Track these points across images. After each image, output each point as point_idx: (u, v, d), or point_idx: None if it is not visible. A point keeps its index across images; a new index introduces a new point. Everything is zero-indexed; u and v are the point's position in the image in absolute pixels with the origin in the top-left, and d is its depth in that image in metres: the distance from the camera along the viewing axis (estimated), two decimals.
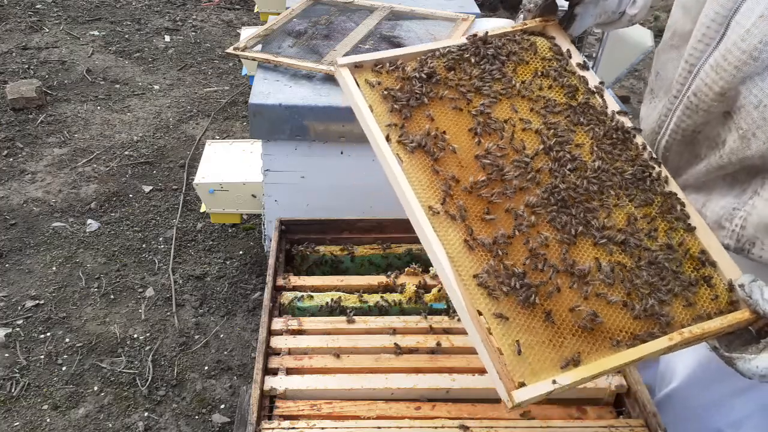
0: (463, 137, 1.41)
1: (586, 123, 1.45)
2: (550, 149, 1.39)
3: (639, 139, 1.43)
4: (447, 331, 1.75)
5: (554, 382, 1.11)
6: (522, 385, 1.10)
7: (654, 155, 1.41)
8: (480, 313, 1.17)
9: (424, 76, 1.46)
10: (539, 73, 1.52)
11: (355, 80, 1.45)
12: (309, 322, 1.77)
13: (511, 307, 1.19)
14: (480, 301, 1.19)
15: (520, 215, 1.30)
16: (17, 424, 2.48)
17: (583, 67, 1.54)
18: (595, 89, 1.50)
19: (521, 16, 1.67)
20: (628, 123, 1.45)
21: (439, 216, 1.28)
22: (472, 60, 1.52)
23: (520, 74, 1.52)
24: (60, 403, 2.57)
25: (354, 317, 1.80)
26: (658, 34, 5.64)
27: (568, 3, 1.55)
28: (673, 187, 1.37)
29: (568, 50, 1.55)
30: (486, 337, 1.15)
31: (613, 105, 1.49)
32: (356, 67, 1.48)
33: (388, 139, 1.37)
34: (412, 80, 1.45)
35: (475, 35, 1.55)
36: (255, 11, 4.91)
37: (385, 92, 1.44)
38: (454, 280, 1.20)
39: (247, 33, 3.46)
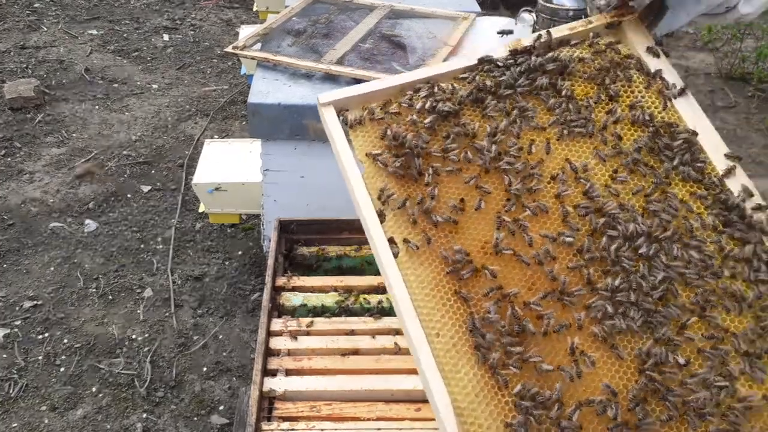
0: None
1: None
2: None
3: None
4: None
5: None
6: None
7: None
8: None
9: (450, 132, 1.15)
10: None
11: (344, 130, 1.18)
12: (309, 323, 1.76)
13: None
14: None
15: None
16: (15, 425, 2.47)
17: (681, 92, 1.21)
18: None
19: (592, 11, 1.32)
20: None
21: (444, 341, 1.00)
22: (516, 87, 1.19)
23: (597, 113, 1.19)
24: (58, 404, 2.55)
25: (354, 318, 1.78)
26: None
27: None
28: None
29: (659, 71, 1.21)
30: None
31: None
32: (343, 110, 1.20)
33: (381, 217, 1.11)
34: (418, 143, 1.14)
35: (516, 48, 1.23)
36: (254, 10, 4.90)
37: (384, 160, 1.14)
38: None
39: (246, 32, 3.44)
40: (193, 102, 4.63)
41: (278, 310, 1.82)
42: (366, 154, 1.17)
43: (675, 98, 1.23)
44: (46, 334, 2.84)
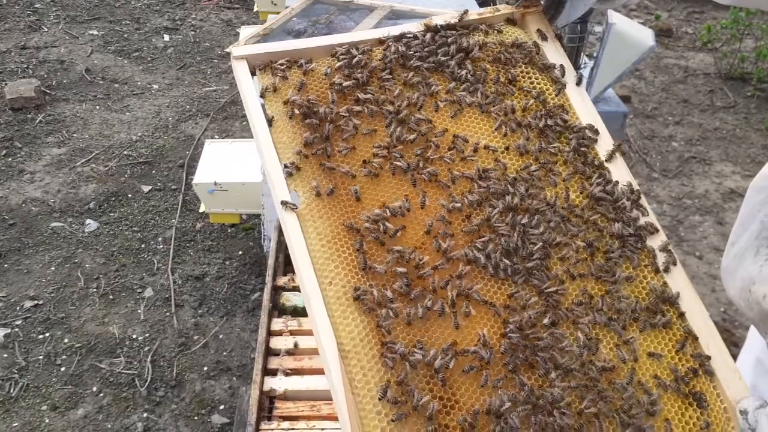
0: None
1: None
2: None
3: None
4: None
5: None
6: None
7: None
8: None
9: (351, 84, 1.20)
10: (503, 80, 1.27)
11: (254, 80, 1.20)
12: (309, 323, 1.76)
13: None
14: (373, 422, 0.94)
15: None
16: (16, 424, 2.47)
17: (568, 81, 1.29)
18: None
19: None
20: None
21: (336, 289, 1.03)
22: (417, 57, 1.26)
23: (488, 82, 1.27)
24: (59, 404, 2.56)
25: None
26: (659, 33, 5.63)
27: None
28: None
29: (561, 66, 1.30)
30: None
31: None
32: (257, 61, 1.22)
33: (288, 172, 1.12)
34: (333, 90, 1.20)
35: (427, 24, 1.30)
36: (254, 10, 4.91)
37: (295, 107, 1.17)
38: (342, 390, 0.96)
39: (246, 32, 3.45)
40: (193, 102, 4.63)
41: (278, 309, 1.83)
42: (280, 111, 1.21)
43: (565, 87, 1.31)
44: (47, 334, 2.85)
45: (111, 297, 3.05)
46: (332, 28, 3.03)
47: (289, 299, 1.85)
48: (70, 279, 3.14)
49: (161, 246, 3.37)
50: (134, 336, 2.86)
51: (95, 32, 5.49)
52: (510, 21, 1.37)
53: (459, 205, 1.14)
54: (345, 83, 1.22)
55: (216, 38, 5.53)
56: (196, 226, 3.51)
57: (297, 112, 1.19)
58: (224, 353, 2.81)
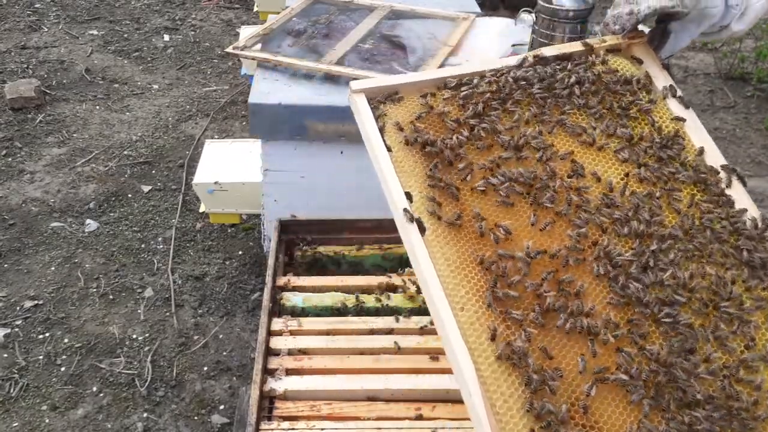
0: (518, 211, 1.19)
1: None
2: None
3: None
4: None
5: None
6: None
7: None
8: None
9: (470, 119, 1.25)
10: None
11: (373, 112, 1.27)
12: (309, 323, 1.76)
13: None
14: None
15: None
16: (16, 424, 2.48)
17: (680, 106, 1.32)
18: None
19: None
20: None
21: (468, 314, 1.07)
22: (530, 90, 1.30)
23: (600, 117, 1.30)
24: (59, 404, 2.56)
25: (354, 318, 1.79)
26: None
27: (657, 19, 1.37)
28: None
29: (671, 86, 1.34)
30: None
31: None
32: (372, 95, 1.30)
33: (408, 197, 1.17)
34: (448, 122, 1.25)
35: (536, 55, 1.35)
36: (254, 10, 4.90)
37: (413, 136, 1.23)
38: (484, 413, 0.98)
39: (246, 32, 3.45)
40: (193, 102, 4.63)
41: (278, 309, 1.83)
42: (397, 140, 1.26)
43: (684, 121, 1.34)
44: (47, 334, 2.85)
45: (111, 297, 3.06)
46: (332, 28, 3.03)
47: (290, 299, 1.85)
48: (70, 279, 3.14)
49: (161, 246, 3.37)
50: (134, 336, 2.86)
51: (95, 32, 5.49)
52: (613, 50, 1.42)
53: (584, 230, 1.17)
54: (461, 113, 1.27)
55: (216, 38, 5.53)
56: (196, 226, 3.51)
57: (416, 141, 1.24)
58: (224, 353, 2.81)
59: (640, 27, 1.41)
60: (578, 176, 1.24)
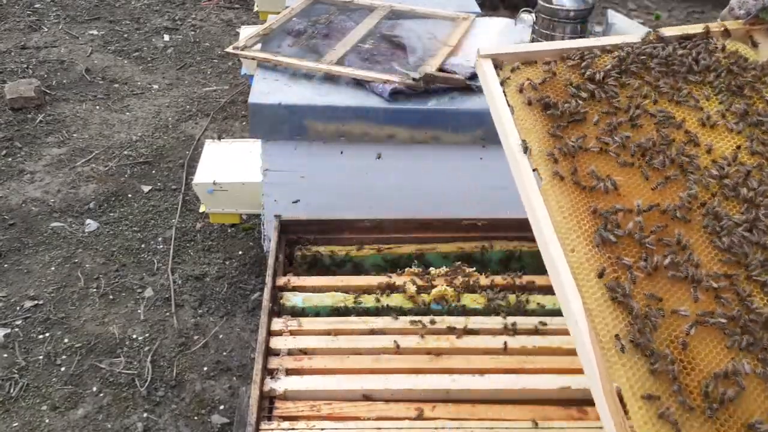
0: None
1: None
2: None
3: None
4: (447, 332, 1.74)
5: None
6: None
7: None
8: (619, 394, 1.01)
9: (589, 85, 1.35)
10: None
11: (498, 76, 1.38)
12: (309, 323, 1.76)
13: (662, 386, 1.02)
14: (620, 373, 1.03)
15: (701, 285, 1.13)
16: (16, 424, 2.48)
17: None
18: None
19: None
20: None
21: (578, 255, 1.16)
22: (649, 66, 1.40)
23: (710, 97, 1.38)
24: (59, 404, 2.56)
25: (354, 318, 1.79)
26: None
27: None
28: None
29: None
30: (621, 423, 0.99)
31: None
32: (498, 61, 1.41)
33: (526, 149, 1.28)
34: (573, 87, 1.35)
35: (656, 34, 1.45)
36: (254, 10, 4.90)
37: (535, 97, 1.33)
38: (589, 341, 1.05)
39: (246, 32, 3.45)
40: (193, 102, 4.63)
41: (279, 309, 1.83)
42: (522, 100, 1.37)
43: None
44: (47, 334, 2.85)
45: (111, 297, 3.06)
46: (332, 28, 3.03)
47: (290, 299, 1.85)
48: (70, 279, 3.14)
49: (161, 246, 3.37)
50: (134, 336, 2.86)
51: (95, 32, 5.49)
52: (726, 33, 1.49)
53: (695, 192, 1.25)
54: (581, 80, 1.37)
55: (216, 38, 5.53)
56: (196, 226, 3.51)
57: (537, 102, 1.34)
58: (224, 353, 2.81)
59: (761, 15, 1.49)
60: (692, 144, 1.32)
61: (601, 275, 1.13)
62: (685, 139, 1.33)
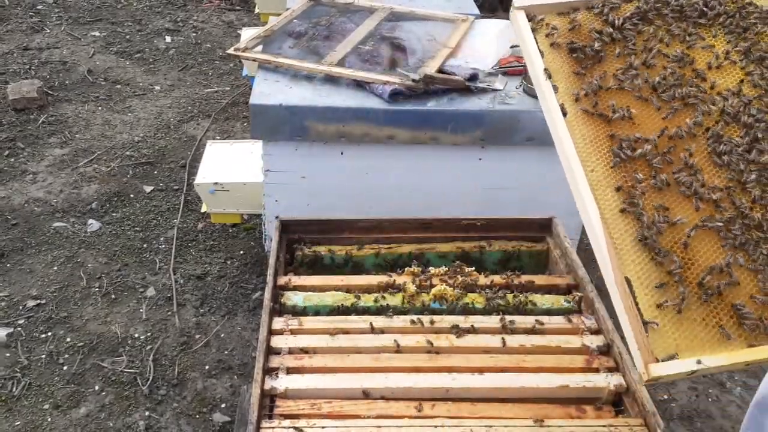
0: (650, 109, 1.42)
1: None
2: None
3: None
4: (447, 331, 1.75)
5: (699, 362, 1.12)
6: (667, 358, 1.12)
7: None
8: (628, 282, 1.20)
9: (610, 29, 1.50)
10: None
11: (531, 27, 1.51)
12: (309, 322, 1.78)
13: (665, 278, 1.21)
14: (630, 267, 1.22)
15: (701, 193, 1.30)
16: (18, 423, 2.49)
17: None
18: None
19: None
20: None
21: (597, 174, 1.33)
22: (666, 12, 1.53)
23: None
24: (61, 403, 2.58)
25: (354, 317, 1.80)
26: None
27: None
28: None
29: None
30: (630, 306, 1.17)
31: None
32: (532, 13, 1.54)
33: (555, 89, 1.43)
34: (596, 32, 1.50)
35: None
36: (255, 12, 4.92)
37: (561, 41, 1.48)
38: (604, 242, 1.23)
39: (247, 34, 3.47)
40: (195, 103, 4.65)
41: (279, 308, 1.85)
42: (550, 44, 1.52)
43: None
44: (49, 333, 2.87)
45: (113, 296, 3.07)
46: (333, 29, 3.05)
47: (290, 298, 1.87)
48: (72, 278, 3.16)
49: (163, 246, 3.38)
50: (136, 335, 2.88)
51: (97, 33, 5.51)
52: None
53: (700, 119, 1.39)
54: (604, 26, 1.53)
55: (217, 40, 5.55)
56: (197, 226, 3.53)
57: (563, 45, 1.49)
58: (225, 352, 2.83)
59: None
60: (700, 79, 1.45)
61: (618, 189, 1.31)
62: (693, 75, 1.47)
